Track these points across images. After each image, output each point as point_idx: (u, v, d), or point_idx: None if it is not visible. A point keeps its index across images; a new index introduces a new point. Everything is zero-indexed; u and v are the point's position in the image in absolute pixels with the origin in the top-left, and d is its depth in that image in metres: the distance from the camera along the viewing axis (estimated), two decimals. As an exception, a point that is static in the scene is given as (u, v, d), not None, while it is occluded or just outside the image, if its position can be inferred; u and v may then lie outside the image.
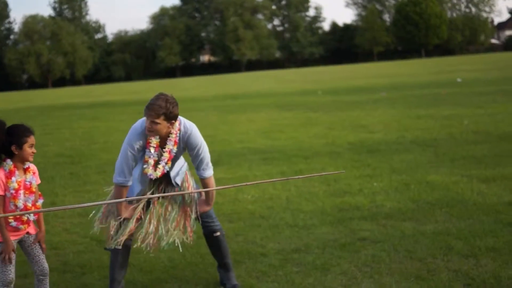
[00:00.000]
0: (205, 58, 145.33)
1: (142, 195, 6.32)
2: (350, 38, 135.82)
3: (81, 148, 18.63)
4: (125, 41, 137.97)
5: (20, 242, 5.85)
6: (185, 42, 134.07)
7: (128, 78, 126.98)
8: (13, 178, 5.68)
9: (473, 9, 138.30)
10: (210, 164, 6.42)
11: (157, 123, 5.92)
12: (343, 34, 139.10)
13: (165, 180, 6.44)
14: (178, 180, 6.47)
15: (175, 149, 6.22)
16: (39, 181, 6.01)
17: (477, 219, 8.26)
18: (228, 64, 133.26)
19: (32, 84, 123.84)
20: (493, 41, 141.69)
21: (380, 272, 6.59)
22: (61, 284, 6.92)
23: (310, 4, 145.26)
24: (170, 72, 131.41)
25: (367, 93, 33.02)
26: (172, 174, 6.41)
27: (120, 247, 6.20)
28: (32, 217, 5.79)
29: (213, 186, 6.43)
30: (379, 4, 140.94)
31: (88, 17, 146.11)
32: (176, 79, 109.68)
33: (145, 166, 6.19)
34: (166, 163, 6.23)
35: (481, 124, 17.66)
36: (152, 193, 6.38)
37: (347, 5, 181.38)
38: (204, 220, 6.48)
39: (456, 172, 11.36)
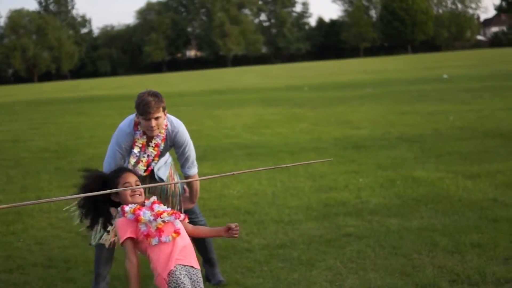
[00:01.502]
0: (191, 53, 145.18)
1: None
2: (337, 33, 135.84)
3: (67, 143, 18.57)
4: (111, 36, 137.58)
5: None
6: (172, 37, 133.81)
7: (114, 73, 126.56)
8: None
9: (459, 6, 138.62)
10: (195, 163, 6.40)
11: (160, 117, 5.87)
12: (329, 30, 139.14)
13: (149, 177, 6.34)
14: (162, 174, 6.37)
15: (162, 144, 6.14)
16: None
17: (462, 215, 8.28)
18: (215, 59, 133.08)
19: (18, 79, 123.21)
20: (479, 37, 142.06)
21: (365, 268, 6.59)
22: (46, 279, 6.89)
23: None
24: (157, 67, 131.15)
25: (353, 89, 33.07)
26: (155, 168, 6.32)
27: (105, 243, 6.10)
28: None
29: (197, 184, 6.40)
30: (366, 0, 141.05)
31: (74, 12, 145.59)
32: (162, 74, 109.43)
33: (133, 164, 6.08)
34: (153, 159, 6.17)
35: (467, 120, 17.71)
36: None
37: (334, 0, 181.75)
38: (188, 216, 6.38)
39: (441, 168, 11.38)
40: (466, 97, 23.98)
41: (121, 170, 5.23)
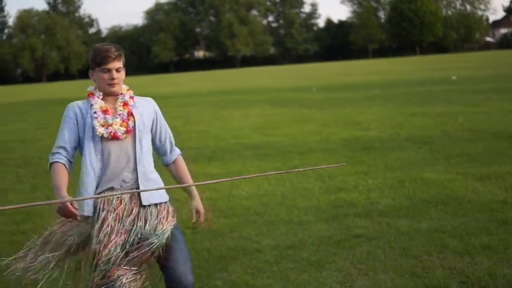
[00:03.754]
0: (199, 53, 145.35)
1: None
2: (345, 35, 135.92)
3: (75, 142, 18.56)
4: (119, 36, 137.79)
5: None
6: (180, 37, 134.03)
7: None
8: None
9: (468, 7, 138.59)
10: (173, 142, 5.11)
11: (121, 70, 4.77)
12: (338, 31, 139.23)
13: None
14: (153, 198, 4.73)
15: (132, 102, 4.85)
16: None
17: (472, 217, 8.26)
18: (223, 60, 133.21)
19: (26, 79, 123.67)
20: (488, 39, 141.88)
21: (375, 269, 6.58)
22: (56, 280, 6.88)
23: (305, 0, 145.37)
24: (164, 68, 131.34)
25: (361, 90, 33.04)
26: (140, 168, 4.74)
27: None
28: None
29: (186, 168, 5.07)
30: (374, 1, 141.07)
31: (82, 12, 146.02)
32: (170, 75, 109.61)
33: (98, 129, 4.63)
34: (127, 119, 4.73)
35: (475, 122, 17.67)
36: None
37: (342, 1, 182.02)
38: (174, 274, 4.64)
39: (451, 170, 11.36)
40: (474, 99, 23.92)
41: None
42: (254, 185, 11.02)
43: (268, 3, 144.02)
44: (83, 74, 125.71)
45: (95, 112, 4.67)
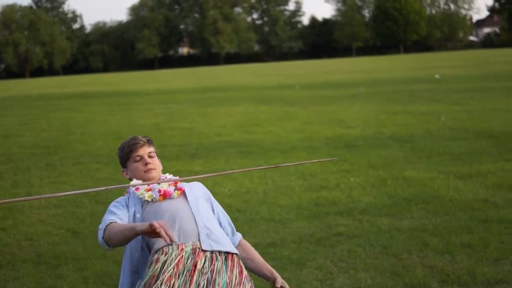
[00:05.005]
0: (183, 50, 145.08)
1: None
2: (329, 32, 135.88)
3: (58, 139, 18.52)
4: (103, 32, 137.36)
5: None
6: (164, 34, 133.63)
7: (106, 69, 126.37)
8: None
9: (452, 6, 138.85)
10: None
11: (153, 155, 4.48)
12: (322, 29, 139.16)
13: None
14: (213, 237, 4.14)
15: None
16: None
17: (453, 215, 8.29)
18: (207, 57, 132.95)
19: (10, 74, 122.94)
20: (472, 38, 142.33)
21: (356, 267, 6.59)
22: (36, 276, 6.87)
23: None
24: (149, 64, 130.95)
25: (345, 88, 33.07)
26: (196, 210, 4.29)
27: None
28: None
29: (253, 248, 4.74)
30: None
31: (66, 7, 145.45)
32: (154, 71, 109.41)
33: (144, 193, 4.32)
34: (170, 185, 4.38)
35: (458, 120, 17.74)
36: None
37: (327, 0, 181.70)
38: None
39: (432, 168, 11.40)
40: (457, 98, 24.01)
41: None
42: (236, 182, 11.02)
43: (253, 1, 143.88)
44: (67, 70, 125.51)
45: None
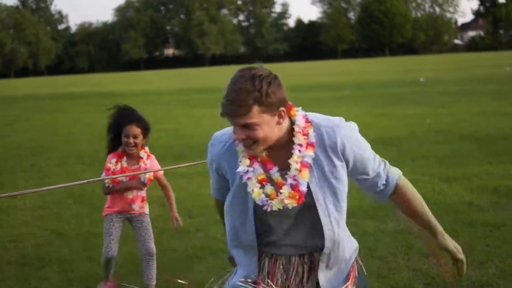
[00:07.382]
0: (169, 51, 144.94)
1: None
2: (315, 35, 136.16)
3: (43, 139, 18.45)
4: (89, 33, 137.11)
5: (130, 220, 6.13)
6: (150, 35, 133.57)
7: (91, 69, 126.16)
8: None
9: (437, 9, 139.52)
10: (384, 165, 3.70)
11: (255, 124, 3.17)
12: (308, 31, 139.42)
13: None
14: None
15: (310, 153, 3.40)
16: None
17: (438, 218, 8.11)
18: (193, 58, 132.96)
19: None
20: (456, 41, 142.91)
21: (341, 270, 6.58)
22: (20, 277, 6.84)
23: (275, 0, 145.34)
24: (134, 65, 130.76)
25: (330, 91, 33.12)
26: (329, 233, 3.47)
27: None
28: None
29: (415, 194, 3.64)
30: (344, 2, 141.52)
31: (52, 8, 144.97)
32: (140, 72, 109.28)
33: (249, 190, 3.39)
34: (298, 180, 3.34)
35: (443, 123, 17.78)
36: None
37: (313, 2, 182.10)
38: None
39: (417, 171, 11.40)
40: (442, 101, 24.07)
41: (127, 119, 5.88)
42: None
43: (239, 2, 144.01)
44: (52, 70, 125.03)
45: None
